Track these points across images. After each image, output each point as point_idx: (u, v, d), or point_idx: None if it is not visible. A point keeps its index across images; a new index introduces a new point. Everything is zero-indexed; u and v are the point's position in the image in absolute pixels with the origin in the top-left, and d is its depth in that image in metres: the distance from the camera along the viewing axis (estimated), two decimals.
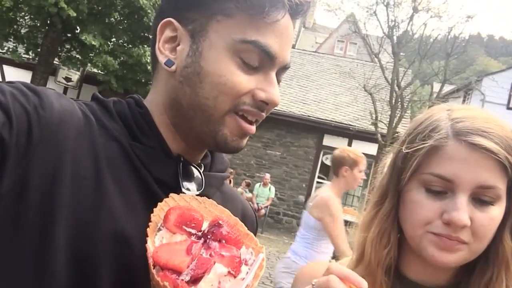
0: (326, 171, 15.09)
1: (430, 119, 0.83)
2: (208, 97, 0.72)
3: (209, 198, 0.75)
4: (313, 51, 22.15)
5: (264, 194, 11.88)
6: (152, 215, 0.67)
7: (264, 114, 0.77)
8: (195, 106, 0.73)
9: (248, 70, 0.73)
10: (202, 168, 0.82)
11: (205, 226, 0.68)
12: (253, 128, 0.76)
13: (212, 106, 0.73)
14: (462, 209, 0.74)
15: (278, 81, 0.77)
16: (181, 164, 0.77)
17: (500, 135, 0.76)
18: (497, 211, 0.77)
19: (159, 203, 0.69)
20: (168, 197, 0.71)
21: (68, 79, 12.57)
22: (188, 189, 0.77)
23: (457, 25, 13.86)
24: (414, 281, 0.85)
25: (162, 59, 0.75)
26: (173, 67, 0.75)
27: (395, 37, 13.74)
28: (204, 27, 0.73)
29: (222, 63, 0.72)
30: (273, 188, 11.96)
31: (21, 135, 0.59)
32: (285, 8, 0.73)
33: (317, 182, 14.71)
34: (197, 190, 0.78)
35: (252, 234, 0.71)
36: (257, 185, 12.12)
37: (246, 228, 0.72)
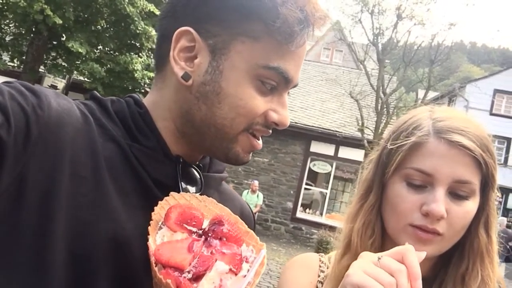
0: (314, 178, 15.15)
1: (413, 118, 0.89)
2: (226, 117, 0.72)
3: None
4: None
5: (252, 201, 11.85)
6: (153, 213, 0.67)
7: (270, 132, 0.78)
8: (210, 124, 0.73)
9: (264, 92, 0.73)
10: (201, 169, 0.82)
11: (205, 224, 0.68)
12: (261, 144, 0.78)
13: (228, 125, 0.73)
14: (440, 201, 0.80)
15: None
16: (180, 165, 0.77)
17: (477, 135, 0.82)
18: (471, 205, 0.83)
19: (159, 202, 0.69)
20: (168, 196, 0.72)
21: (53, 87, 12.43)
22: (187, 190, 0.76)
23: (440, 32, 14.00)
24: None
25: (178, 70, 0.73)
26: (190, 81, 0.73)
27: (380, 44, 13.89)
28: (226, 45, 0.71)
29: (243, 86, 0.72)
30: (261, 195, 11.94)
31: (19, 135, 0.59)
32: (310, 34, 0.73)
33: (305, 189, 14.75)
34: (196, 192, 0.78)
35: (252, 231, 0.71)
36: (245, 192, 12.09)
37: (246, 226, 0.72)
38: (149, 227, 0.66)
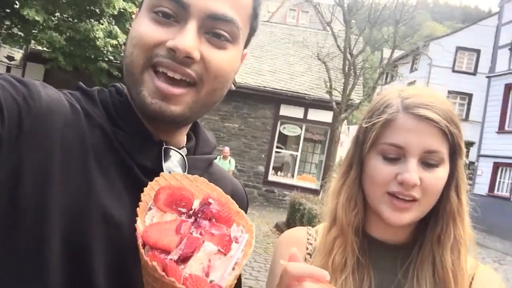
0: (284, 141, 15.30)
1: (384, 98, 0.97)
2: (128, 55, 0.73)
3: None
4: (266, 21, 21.96)
5: (224, 167, 11.90)
6: (142, 194, 0.67)
7: (188, 70, 0.71)
8: (125, 71, 0.75)
9: (163, 23, 0.71)
10: (186, 152, 0.83)
11: (196, 205, 0.68)
12: (171, 89, 0.71)
13: (130, 63, 0.73)
14: (412, 171, 0.89)
15: (226, 35, 0.73)
16: (163, 148, 0.78)
17: (442, 108, 0.90)
18: (442, 172, 0.92)
19: (149, 183, 0.70)
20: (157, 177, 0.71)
21: (10, 58, 11.89)
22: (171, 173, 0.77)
23: None
24: (379, 240, 1.00)
25: None
26: None
27: (346, 5, 13.82)
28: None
29: (139, 19, 0.74)
30: (233, 161, 11.99)
31: (12, 126, 0.60)
32: None
33: (276, 152, 14.91)
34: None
35: (243, 212, 0.72)
36: (217, 158, 12.15)
37: (237, 206, 0.72)
38: (137, 209, 0.66)
